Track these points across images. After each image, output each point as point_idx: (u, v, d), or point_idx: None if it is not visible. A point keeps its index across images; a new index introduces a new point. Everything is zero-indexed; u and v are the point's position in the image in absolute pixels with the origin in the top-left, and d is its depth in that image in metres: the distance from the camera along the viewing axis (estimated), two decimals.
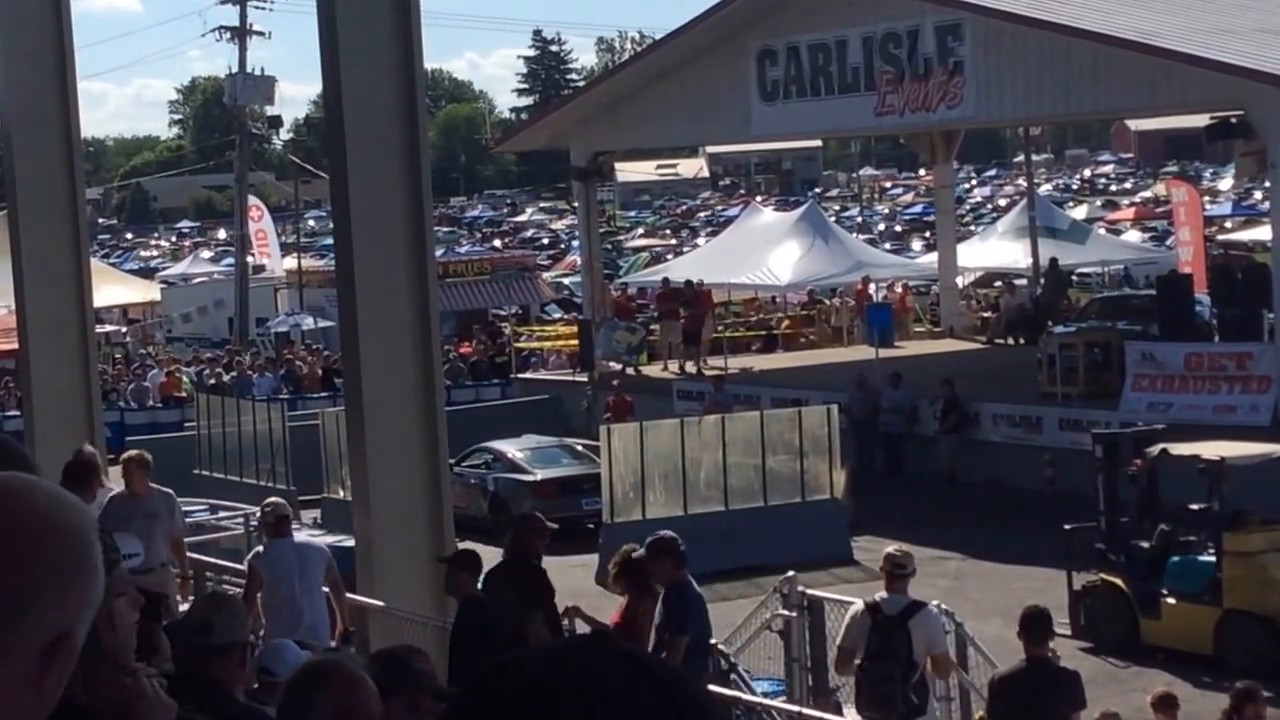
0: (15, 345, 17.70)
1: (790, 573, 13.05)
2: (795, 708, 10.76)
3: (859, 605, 10.34)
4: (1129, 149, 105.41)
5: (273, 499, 12.07)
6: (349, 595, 11.29)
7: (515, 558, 10.54)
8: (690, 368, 30.22)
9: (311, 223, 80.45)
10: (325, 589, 10.88)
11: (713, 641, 11.74)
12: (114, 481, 12.10)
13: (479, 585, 9.91)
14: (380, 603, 11.36)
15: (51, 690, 1.60)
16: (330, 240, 23.45)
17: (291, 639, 7.47)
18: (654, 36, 72.21)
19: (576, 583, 18.71)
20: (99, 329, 27.97)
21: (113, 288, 42.57)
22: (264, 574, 10.75)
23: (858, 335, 32.99)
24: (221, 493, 21.34)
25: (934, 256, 37.25)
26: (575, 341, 32.55)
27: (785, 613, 12.48)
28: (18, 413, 23.62)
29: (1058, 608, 15.67)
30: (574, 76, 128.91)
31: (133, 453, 11.39)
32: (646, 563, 10.06)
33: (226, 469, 23.99)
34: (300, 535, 12.13)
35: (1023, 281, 35.34)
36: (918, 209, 76.88)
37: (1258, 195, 62.96)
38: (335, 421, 20.25)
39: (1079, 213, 57.67)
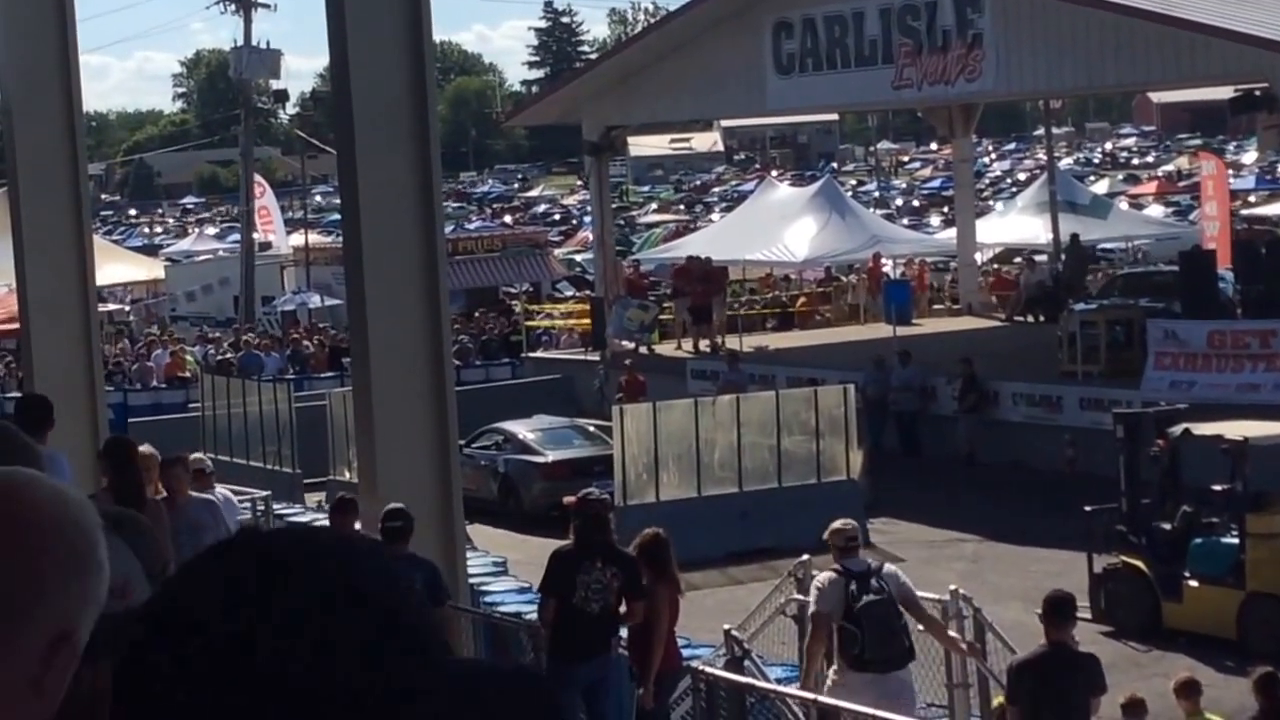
0: (16, 325, 17.50)
1: (805, 556, 12.82)
2: (810, 695, 10.54)
3: (827, 573, 10.53)
4: (1151, 121, 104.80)
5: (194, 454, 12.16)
6: None
7: (599, 538, 10.43)
8: (704, 345, 29.92)
9: (319, 198, 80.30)
10: None
11: (726, 627, 11.55)
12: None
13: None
14: None
15: (54, 691, 1.58)
16: (338, 216, 23.26)
17: None
18: (667, 8, 71.60)
19: None
20: (102, 308, 27.72)
21: (116, 266, 42.39)
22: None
23: (876, 313, 32.64)
24: (226, 476, 21.10)
25: (952, 232, 36.91)
26: (587, 320, 32.29)
27: (800, 597, 12.24)
28: (19, 394, 23.38)
29: (1078, 590, 15.39)
30: (586, 48, 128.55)
31: (182, 455, 10.99)
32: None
33: (232, 451, 23.71)
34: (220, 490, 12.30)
35: (1043, 258, 34.99)
36: (936, 183, 76.61)
37: None
38: (342, 402, 20.05)
39: (1100, 187, 57.41)
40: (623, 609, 10.41)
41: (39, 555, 1.55)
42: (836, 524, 10.80)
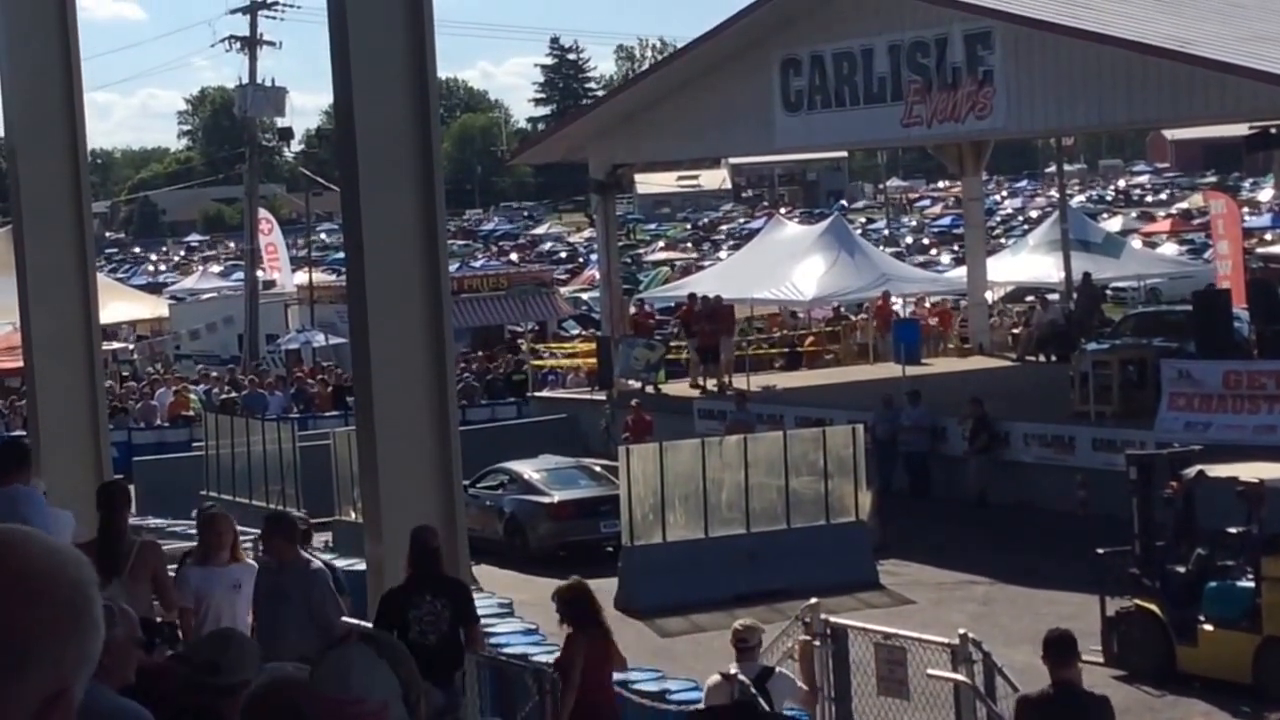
0: (20, 363, 17.43)
1: (813, 600, 12.66)
2: None
3: (715, 678, 10.58)
4: (1165, 158, 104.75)
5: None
6: (359, 621, 10.95)
7: (430, 570, 10.41)
8: (712, 385, 29.75)
9: (324, 236, 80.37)
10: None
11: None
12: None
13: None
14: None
15: None
16: (342, 254, 23.20)
17: None
18: (675, 45, 71.70)
19: None
20: (106, 346, 27.69)
21: (120, 304, 42.45)
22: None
23: (884, 352, 32.45)
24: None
25: (963, 270, 36.75)
26: (593, 359, 32.15)
27: (806, 637, 12.07)
28: (23, 432, 23.34)
29: (1090, 634, 15.28)
30: (592, 85, 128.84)
31: (276, 511, 10.77)
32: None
33: (235, 490, 23.60)
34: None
35: (1055, 297, 34.81)
36: (946, 221, 76.59)
37: None
38: (346, 441, 19.91)
39: (1113, 225, 57.29)
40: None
41: (33, 613, 1.55)
42: (735, 624, 11.02)
